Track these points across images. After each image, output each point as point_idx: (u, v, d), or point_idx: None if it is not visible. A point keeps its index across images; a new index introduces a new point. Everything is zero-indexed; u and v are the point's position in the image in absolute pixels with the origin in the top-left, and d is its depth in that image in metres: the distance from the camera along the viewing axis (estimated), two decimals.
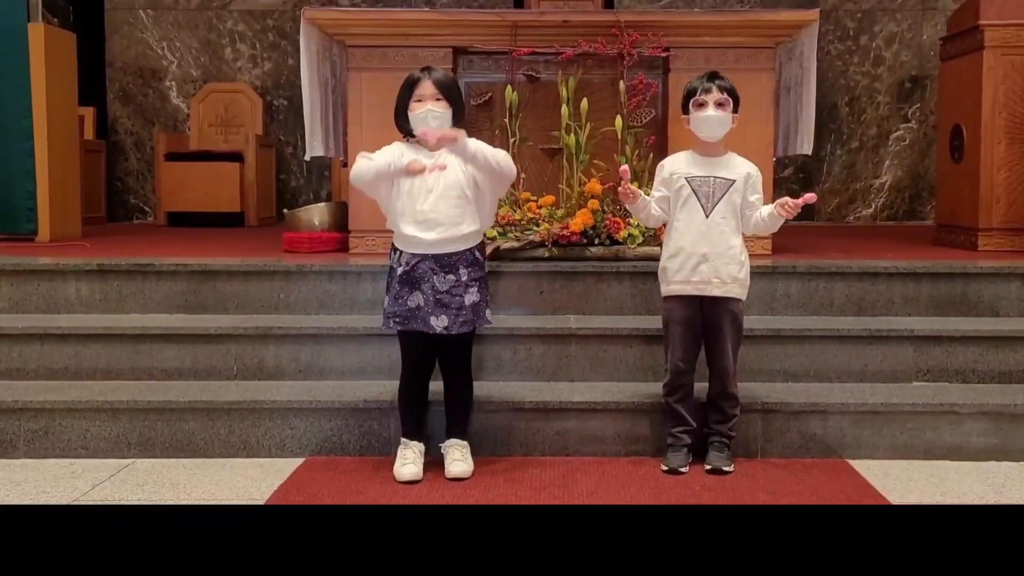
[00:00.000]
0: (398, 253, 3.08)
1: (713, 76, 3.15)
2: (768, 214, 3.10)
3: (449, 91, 3.06)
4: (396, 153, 3.07)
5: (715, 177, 3.12)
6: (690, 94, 3.16)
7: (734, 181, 3.12)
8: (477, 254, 3.12)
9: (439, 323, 3.02)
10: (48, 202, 5.14)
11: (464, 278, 3.05)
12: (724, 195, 3.10)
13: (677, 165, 3.19)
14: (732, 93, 3.13)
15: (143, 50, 7.65)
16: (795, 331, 3.59)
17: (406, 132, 3.11)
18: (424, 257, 3.02)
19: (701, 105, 3.12)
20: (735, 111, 3.15)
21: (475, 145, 3.02)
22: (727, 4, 7.56)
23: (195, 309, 3.85)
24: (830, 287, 3.85)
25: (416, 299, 3.03)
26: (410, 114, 3.05)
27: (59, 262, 3.94)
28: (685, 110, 3.18)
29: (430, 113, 3.01)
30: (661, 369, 3.31)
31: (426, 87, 3.03)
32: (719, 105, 3.10)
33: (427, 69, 3.08)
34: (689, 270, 3.11)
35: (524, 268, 3.84)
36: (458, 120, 3.10)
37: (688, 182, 3.12)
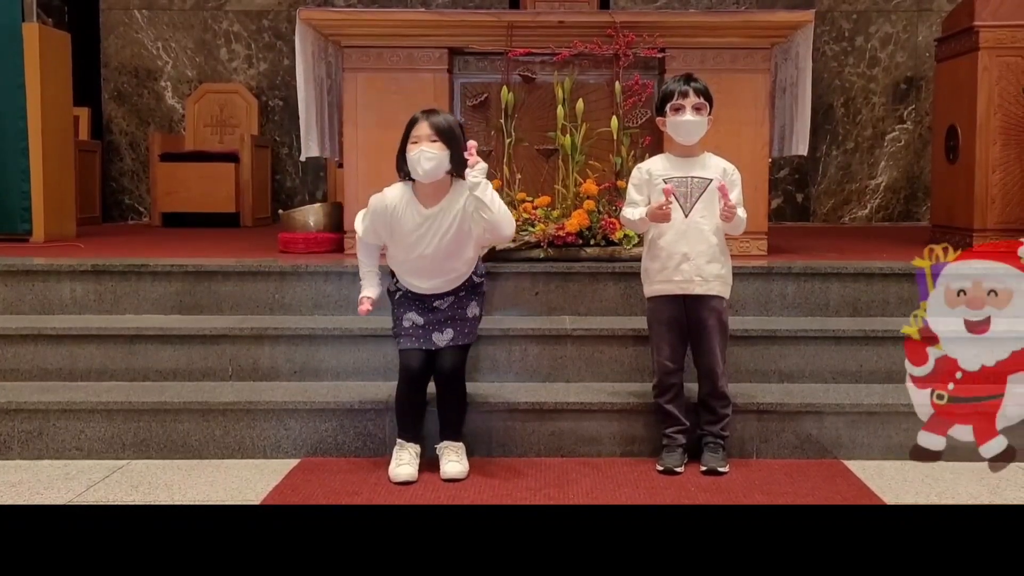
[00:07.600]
0: (395, 278, 3.17)
1: (688, 79, 3.16)
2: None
3: (444, 134, 2.98)
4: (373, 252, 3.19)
5: (692, 177, 3.14)
6: (666, 98, 3.17)
7: (711, 180, 3.13)
8: (475, 278, 3.18)
9: (443, 338, 3.10)
10: (43, 202, 5.14)
11: (463, 295, 3.15)
12: (702, 194, 3.12)
13: (654, 167, 3.21)
14: (707, 95, 3.15)
15: (138, 50, 7.63)
16: (790, 332, 3.59)
17: (404, 173, 3.07)
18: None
19: (678, 109, 3.13)
20: (710, 113, 3.16)
21: (492, 194, 2.97)
22: (723, 5, 7.56)
23: (190, 310, 3.85)
24: (825, 288, 3.86)
25: (413, 318, 3.11)
26: (407, 155, 3.02)
27: (54, 262, 3.93)
28: (660, 113, 3.20)
29: (423, 154, 2.95)
30: (650, 370, 3.31)
31: (422, 128, 2.99)
32: (696, 109, 3.12)
33: (428, 112, 3.04)
34: (671, 270, 3.12)
35: (519, 269, 3.84)
36: (456, 164, 3.00)
37: (665, 184, 3.13)
